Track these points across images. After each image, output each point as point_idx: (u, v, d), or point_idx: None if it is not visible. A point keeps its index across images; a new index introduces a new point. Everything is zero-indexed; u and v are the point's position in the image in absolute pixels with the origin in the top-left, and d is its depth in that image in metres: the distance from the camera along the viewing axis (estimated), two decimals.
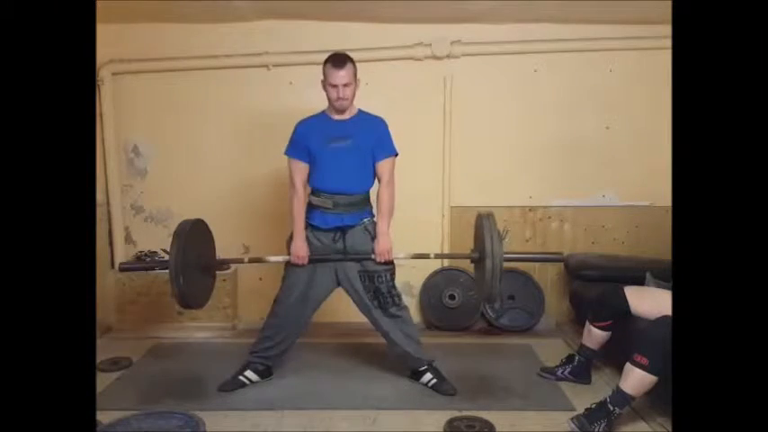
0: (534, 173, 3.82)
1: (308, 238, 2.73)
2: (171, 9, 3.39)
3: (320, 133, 2.69)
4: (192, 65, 3.68)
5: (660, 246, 3.59)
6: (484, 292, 2.66)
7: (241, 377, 2.84)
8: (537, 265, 3.85)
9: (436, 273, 3.82)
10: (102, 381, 2.86)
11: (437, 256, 2.78)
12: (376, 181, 2.78)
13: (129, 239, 3.85)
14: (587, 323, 2.83)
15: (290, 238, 2.78)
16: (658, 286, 2.80)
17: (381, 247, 2.69)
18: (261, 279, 3.77)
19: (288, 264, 2.79)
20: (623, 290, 2.70)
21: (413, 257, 2.84)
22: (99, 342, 3.35)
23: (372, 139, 2.70)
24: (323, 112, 2.75)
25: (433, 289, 3.80)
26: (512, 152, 3.80)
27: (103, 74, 3.60)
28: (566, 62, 3.73)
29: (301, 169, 2.73)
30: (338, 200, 2.70)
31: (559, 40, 3.68)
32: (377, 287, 2.76)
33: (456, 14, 3.48)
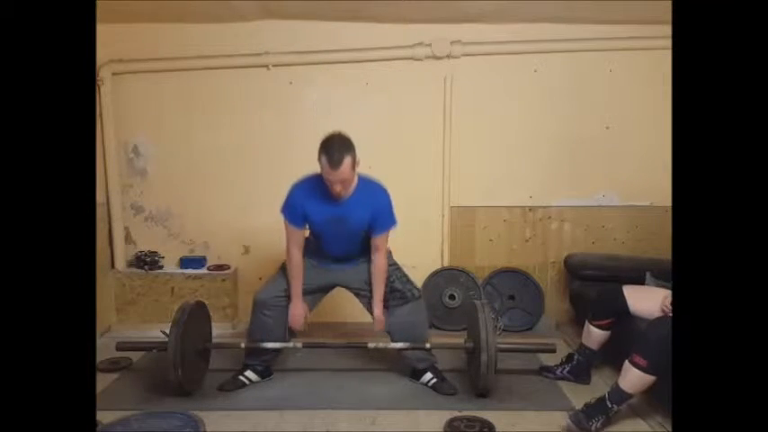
0: (534, 173, 3.83)
1: (306, 267, 2.76)
2: (171, 9, 3.38)
3: (319, 208, 2.63)
4: (192, 65, 3.68)
5: (660, 246, 3.61)
6: (479, 385, 2.65)
7: (241, 377, 2.84)
8: (537, 264, 3.88)
9: (436, 273, 3.83)
10: (102, 381, 2.86)
11: (433, 346, 2.80)
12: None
13: (129, 239, 3.86)
14: (587, 323, 2.83)
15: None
16: (658, 286, 2.81)
17: (378, 314, 2.78)
18: (261, 279, 3.76)
19: (284, 265, 2.81)
20: (623, 289, 2.70)
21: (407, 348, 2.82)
22: (99, 342, 3.34)
23: (370, 214, 2.65)
24: (320, 176, 2.52)
25: (433, 289, 3.80)
26: (512, 152, 3.80)
27: (103, 74, 3.59)
28: (566, 62, 3.73)
29: (298, 236, 2.72)
30: (339, 257, 2.80)
31: (559, 40, 3.68)
32: (391, 286, 2.79)
33: (456, 14, 3.48)
